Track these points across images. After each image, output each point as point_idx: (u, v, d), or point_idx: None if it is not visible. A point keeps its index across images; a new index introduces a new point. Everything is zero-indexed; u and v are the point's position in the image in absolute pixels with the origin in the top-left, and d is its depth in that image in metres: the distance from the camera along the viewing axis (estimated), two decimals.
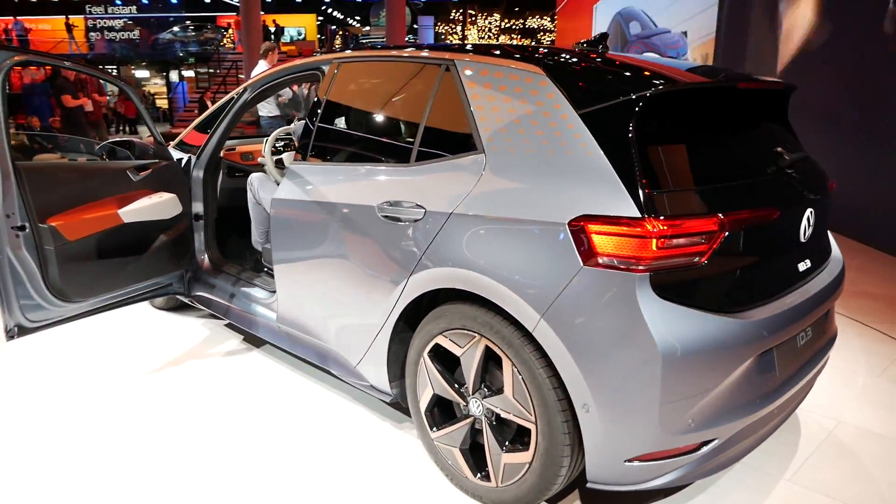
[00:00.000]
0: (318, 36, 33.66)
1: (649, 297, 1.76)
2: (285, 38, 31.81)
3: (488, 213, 2.03)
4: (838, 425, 2.73)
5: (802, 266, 2.18)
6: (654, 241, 1.75)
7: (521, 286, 1.91)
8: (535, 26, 43.59)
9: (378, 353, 2.47)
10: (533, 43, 42.77)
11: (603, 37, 2.54)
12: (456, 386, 2.23)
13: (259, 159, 3.62)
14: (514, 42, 43.24)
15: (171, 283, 3.48)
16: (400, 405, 2.56)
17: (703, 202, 1.86)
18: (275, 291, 3.08)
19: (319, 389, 3.04)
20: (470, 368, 2.14)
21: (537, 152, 2.00)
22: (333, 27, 29.26)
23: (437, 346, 2.24)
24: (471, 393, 2.17)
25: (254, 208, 3.51)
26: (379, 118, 2.69)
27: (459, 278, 2.07)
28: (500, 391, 2.08)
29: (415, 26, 32.78)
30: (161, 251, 3.29)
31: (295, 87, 7.25)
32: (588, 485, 1.95)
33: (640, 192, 1.78)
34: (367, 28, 37.11)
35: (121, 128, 22.09)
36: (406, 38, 25.06)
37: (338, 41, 29.36)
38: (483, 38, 44.00)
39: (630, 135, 1.84)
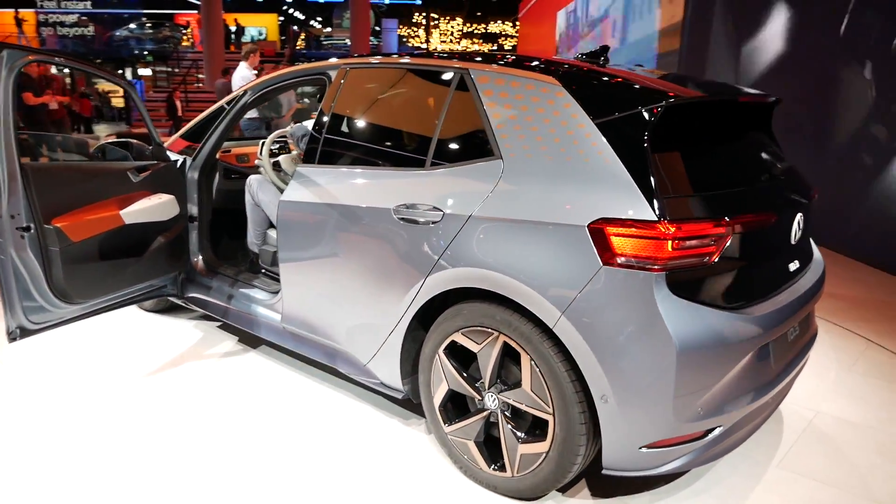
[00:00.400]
0: (280, 37, 33.35)
1: (665, 294, 1.89)
2: (246, 38, 31.42)
3: (508, 215, 2.14)
4: (817, 415, 2.92)
5: (793, 266, 2.36)
6: (670, 242, 1.88)
7: (542, 285, 2.02)
8: (497, 31, 44.05)
9: (391, 351, 2.55)
10: (495, 47, 43.17)
11: (604, 49, 2.68)
12: (471, 381, 2.33)
13: (256, 161, 3.66)
14: (477, 46, 43.57)
15: (166, 285, 3.49)
16: (404, 402, 2.64)
17: (711, 207, 2.00)
18: (276, 292, 3.13)
19: (322, 388, 3.09)
20: (487, 364, 2.24)
21: (555, 158, 2.11)
22: (296, 28, 28.98)
23: (452, 342, 2.34)
24: (486, 388, 2.27)
25: (252, 210, 3.55)
26: (391, 123, 2.77)
27: (480, 278, 2.17)
28: (516, 385, 2.19)
29: (376, 28, 32.79)
30: (159, 252, 3.30)
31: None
32: (603, 471, 2.07)
33: (656, 196, 1.92)
34: (329, 29, 36.93)
35: (75, 127, 21.49)
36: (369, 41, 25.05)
37: (301, 43, 29.10)
38: (445, 42, 44.23)
39: (645, 144, 1.98)
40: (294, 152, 3.72)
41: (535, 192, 2.12)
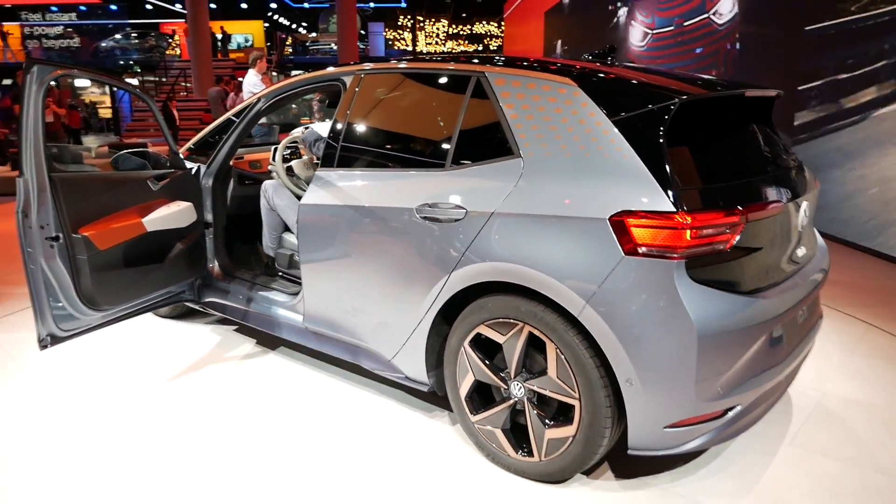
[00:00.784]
0: (266, 43, 33.35)
1: (685, 281, 2.00)
2: (232, 45, 31.41)
3: (530, 210, 2.24)
4: (823, 396, 3.04)
5: (800, 252, 2.47)
6: (688, 231, 1.99)
7: (567, 276, 2.12)
8: (483, 32, 44.21)
9: (416, 346, 2.64)
10: (480, 48, 43.31)
11: (611, 49, 2.78)
12: (497, 371, 2.42)
13: (269, 167, 3.74)
14: (463, 47, 43.70)
15: (184, 291, 3.57)
16: (426, 395, 2.73)
17: (724, 197, 2.11)
18: (295, 294, 3.21)
19: (344, 385, 3.18)
20: (513, 354, 2.34)
21: (574, 156, 2.22)
22: (283, 34, 29.00)
23: (477, 335, 2.43)
24: (512, 377, 2.37)
25: (267, 214, 3.63)
26: (410, 126, 2.86)
27: (505, 271, 2.27)
28: (542, 373, 2.29)
29: (361, 32, 32.91)
30: (179, 259, 3.37)
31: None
32: (629, 451, 2.17)
33: (673, 189, 2.02)
34: (314, 34, 36.96)
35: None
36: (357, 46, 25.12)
37: (287, 49, 29.12)
38: (431, 44, 44.35)
39: (661, 139, 2.08)
40: (305, 157, 3.81)
41: (556, 188, 2.22)
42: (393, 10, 39.59)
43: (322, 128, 3.93)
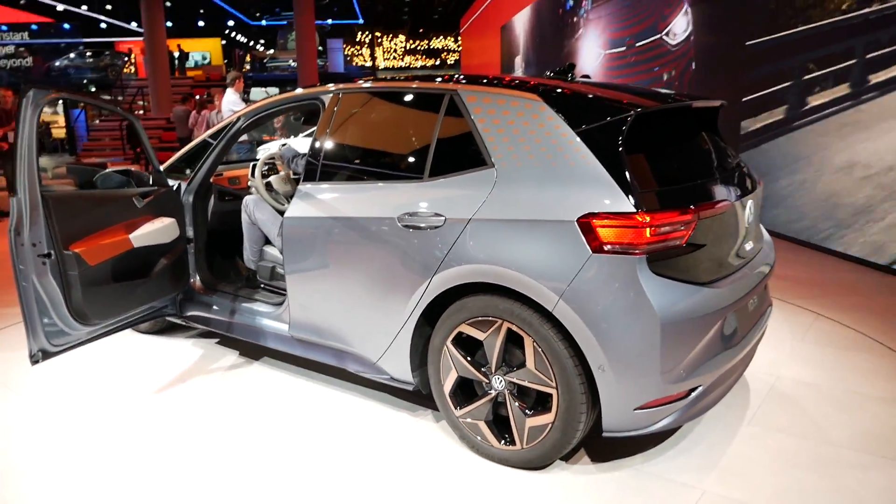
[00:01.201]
0: (224, 61, 33.19)
1: (647, 274, 2.21)
2: (190, 64, 31.18)
3: (505, 216, 2.43)
4: (777, 379, 3.29)
5: (748, 246, 2.71)
6: (648, 229, 2.20)
7: (540, 274, 2.31)
8: (440, 47, 44.71)
9: (400, 348, 2.79)
10: (438, 62, 43.75)
11: (570, 66, 3.01)
12: (478, 367, 2.60)
13: (248, 183, 3.87)
14: (421, 62, 44.09)
15: (167, 306, 3.66)
16: (410, 395, 2.89)
17: (679, 198, 2.33)
18: (279, 304, 3.34)
19: (329, 390, 3.31)
20: (493, 350, 2.52)
21: (543, 165, 2.42)
22: (241, 52, 28.93)
23: (459, 334, 2.61)
24: (493, 371, 2.55)
25: (249, 228, 3.75)
26: (388, 141, 3.03)
27: (483, 273, 2.45)
28: (521, 366, 2.47)
29: (320, 48, 33.03)
30: (163, 273, 3.46)
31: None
32: (604, 434, 2.36)
33: (633, 192, 2.24)
34: (272, 51, 36.90)
35: None
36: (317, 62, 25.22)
37: (246, 66, 29.05)
38: (389, 59, 44.65)
39: (620, 147, 2.30)
40: (282, 173, 3.95)
41: (527, 195, 2.42)
42: (351, 27, 39.82)
43: (298, 144, 4.09)
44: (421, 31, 43.54)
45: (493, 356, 2.53)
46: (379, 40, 43.93)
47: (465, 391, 2.70)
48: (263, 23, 35.76)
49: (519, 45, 18.43)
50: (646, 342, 2.22)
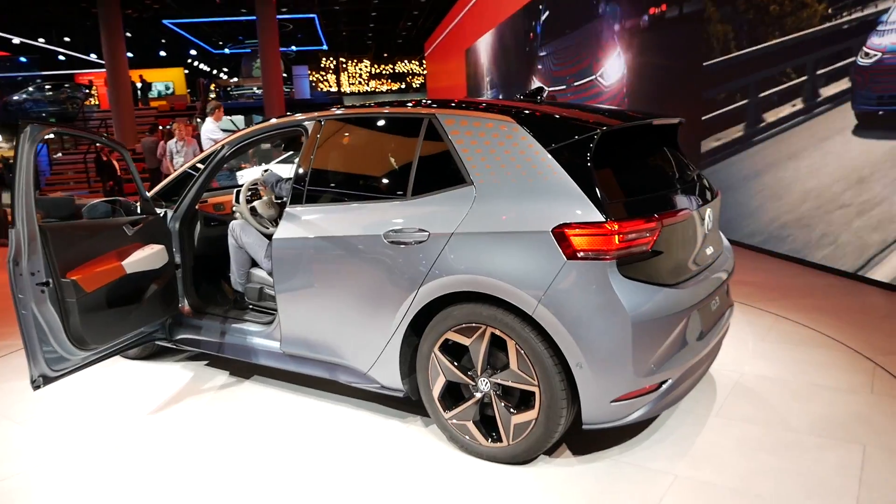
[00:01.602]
0: (188, 90, 33.12)
1: (617, 277, 2.43)
2: (153, 94, 31.05)
3: (485, 229, 2.63)
4: (741, 375, 3.53)
5: (709, 251, 2.95)
6: (616, 237, 2.42)
7: (520, 281, 2.51)
8: (405, 70, 45.23)
9: (390, 357, 2.96)
10: (404, 85, 44.20)
11: (539, 90, 3.25)
12: (465, 371, 2.77)
13: (233, 208, 4.01)
14: (386, 86, 44.50)
15: (157, 330, 3.77)
16: (399, 403, 3.05)
17: (644, 207, 2.56)
18: (269, 323, 3.48)
19: (320, 403, 3.45)
20: (478, 354, 2.70)
21: (518, 181, 2.63)
22: (206, 81, 28.92)
23: (445, 340, 2.78)
24: (479, 374, 2.73)
25: (236, 252, 3.88)
26: (370, 164, 3.22)
27: (467, 282, 2.64)
28: (505, 367, 2.66)
29: (284, 75, 33.20)
30: (154, 298, 3.57)
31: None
32: (584, 426, 2.56)
33: (602, 203, 2.46)
34: (235, 79, 36.90)
35: None
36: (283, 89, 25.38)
37: (212, 95, 29.03)
38: (354, 83, 44.99)
39: (588, 163, 2.53)
40: (265, 198, 4.10)
41: (505, 209, 2.62)
42: (315, 53, 40.10)
43: (280, 169, 4.26)
44: (385, 55, 44.04)
45: (478, 360, 2.71)
46: (344, 65, 44.29)
47: (453, 395, 2.87)
48: (226, 51, 35.80)
49: (484, 69, 18.87)
50: (619, 340, 2.42)
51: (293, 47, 34.52)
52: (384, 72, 45.48)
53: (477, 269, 2.61)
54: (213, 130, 8.04)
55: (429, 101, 3.09)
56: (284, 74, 31.60)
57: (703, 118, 7.25)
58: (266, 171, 4.12)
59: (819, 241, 5.77)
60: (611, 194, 2.53)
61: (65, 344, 3.06)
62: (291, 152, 6.28)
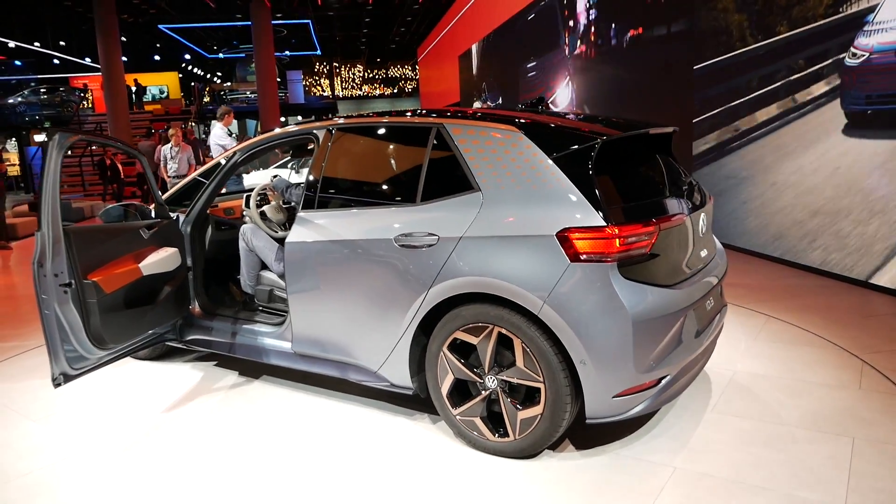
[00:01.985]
0: (181, 94, 33.17)
1: (619, 279, 2.56)
2: (147, 98, 31.09)
3: (492, 233, 2.76)
4: (735, 373, 3.68)
5: (703, 253, 3.10)
6: (617, 240, 2.56)
7: (526, 283, 2.64)
8: (398, 75, 45.38)
9: (400, 356, 3.08)
10: (395, 90, 44.36)
11: (540, 100, 3.39)
12: (473, 369, 2.90)
13: (244, 212, 4.13)
14: (379, 91, 44.65)
15: (168, 331, 3.88)
16: (406, 401, 3.18)
17: (642, 212, 2.70)
18: (280, 324, 3.60)
19: (331, 402, 3.56)
20: (485, 353, 2.83)
21: (523, 187, 2.77)
22: (201, 85, 28.98)
23: (454, 340, 2.91)
24: (486, 372, 2.86)
25: (246, 255, 4.00)
26: (381, 171, 3.35)
27: (475, 284, 2.77)
28: (511, 365, 2.78)
29: (277, 80, 33.31)
30: (168, 300, 3.69)
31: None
32: (587, 421, 2.69)
33: (603, 208, 2.60)
34: (229, 84, 36.99)
35: None
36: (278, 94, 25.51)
37: (207, 98, 29.11)
38: (347, 88, 45.12)
39: (590, 170, 2.67)
40: (273, 203, 4.22)
41: (511, 214, 2.76)
42: (309, 58, 40.20)
43: (289, 175, 4.37)
44: (378, 60, 44.18)
45: (486, 358, 2.84)
46: (337, 70, 44.40)
47: (461, 392, 3.00)
48: (221, 56, 35.86)
49: (478, 75, 19.03)
50: (620, 337, 2.56)
51: (287, 52, 34.62)
52: (377, 76, 45.61)
53: (485, 271, 2.74)
54: (221, 136, 8.09)
55: (437, 112, 3.22)
56: (278, 79, 31.73)
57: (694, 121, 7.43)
58: (275, 176, 4.24)
59: (807, 245, 5.93)
60: (611, 200, 2.67)
61: (85, 343, 3.17)
62: (288, 158, 6.43)
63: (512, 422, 2.82)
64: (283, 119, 27.40)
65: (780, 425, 3.07)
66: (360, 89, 45.86)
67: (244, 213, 4.12)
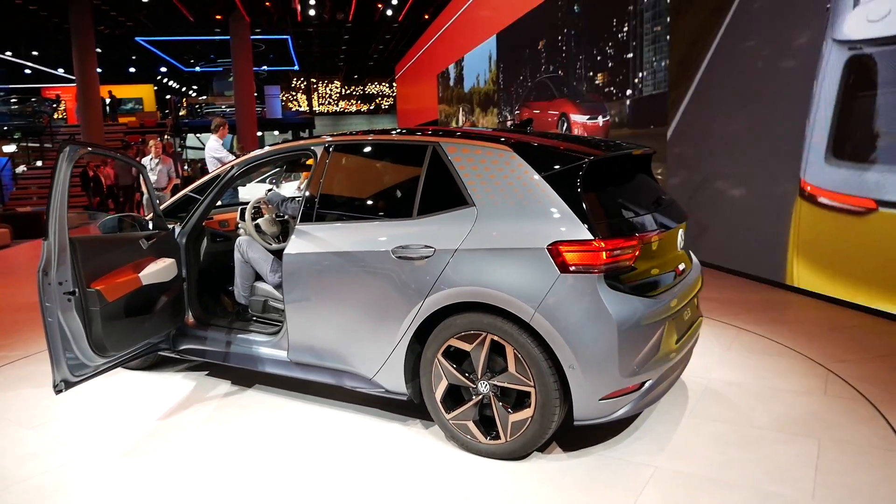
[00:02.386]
0: (157, 107, 32.97)
1: (605, 289, 2.75)
2: (126, 108, 30.84)
3: (486, 246, 2.93)
4: (710, 381, 3.88)
5: (681, 267, 3.30)
6: (603, 253, 2.75)
7: (519, 292, 2.81)
8: (375, 92, 45.67)
9: (395, 363, 3.22)
10: (372, 106, 44.60)
11: (528, 122, 3.59)
12: (466, 374, 3.05)
13: (239, 225, 4.25)
14: (356, 107, 44.86)
15: (162, 340, 3.96)
16: (400, 407, 3.31)
17: (625, 227, 2.90)
18: (276, 333, 3.71)
19: (324, 409, 3.68)
20: (478, 359, 2.98)
21: (516, 203, 2.94)
22: (177, 98, 28.88)
23: (448, 347, 3.06)
24: (479, 377, 3.01)
25: (242, 266, 4.11)
26: (378, 186, 3.51)
27: (470, 293, 2.93)
28: (503, 370, 2.94)
29: (254, 94, 33.30)
30: (164, 309, 3.78)
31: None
32: (575, 423, 2.85)
33: (590, 223, 2.78)
34: (204, 97, 36.85)
35: None
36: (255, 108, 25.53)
37: (183, 111, 29.01)
38: (324, 104, 45.25)
39: (578, 188, 2.86)
40: (267, 216, 4.34)
41: (504, 228, 2.93)
42: (286, 73, 40.27)
43: (284, 189, 4.51)
44: (356, 76, 44.44)
45: (478, 364, 2.99)
46: (314, 86, 44.53)
47: (454, 397, 3.14)
48: (197, 69, 35.76)
49: (455, 92, 19.33)
50: (606, 344, 2.74)
51: (264, 67, 34.66)
52: (354, 93, 45.85)
53: (479, 281, 2.90)
54: (216, 149, 8.04)
55: (433, 130, 3.39)
56: (255, 94, 31.74)
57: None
58: (269, 190, 4.37)
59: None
60: (597, 215, 2.86)
61: (86, 351, 3.25)
62: (278, 169, 6.52)
63: (503, 425, 2.97)
64: (259, 134, 27.41)
65: (752, 428, 3.27)
66: (337, 105, 46.04)
67: (239, 225, 4.24)
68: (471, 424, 3.05)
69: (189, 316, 4.08)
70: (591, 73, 9.70)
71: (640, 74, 8.40)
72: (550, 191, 2.89)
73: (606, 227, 2.84)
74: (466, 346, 3.01)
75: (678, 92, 7.58)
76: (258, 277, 4.15)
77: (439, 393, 3.13)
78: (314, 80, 44.09)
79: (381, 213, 3.36)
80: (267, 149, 3.91)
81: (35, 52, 31.65)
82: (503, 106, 14.33)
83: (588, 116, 9.81)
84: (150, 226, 3.89)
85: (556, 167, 2.94)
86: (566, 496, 2.73)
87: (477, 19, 16.32)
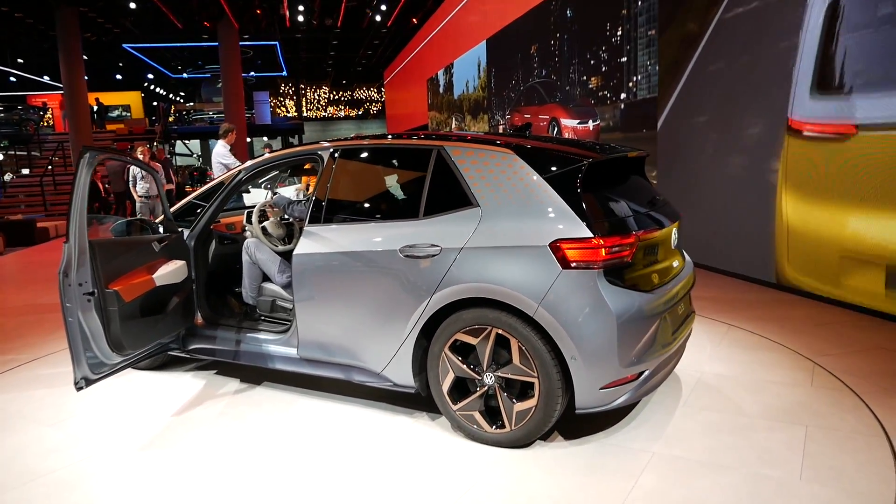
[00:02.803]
0: (144, 114, 32.89)
1: (604, 284, 2.91)
2: (113, 115, 30.76)
3: (491, 244, 3.08)
4: (702, 374, 4.06)
5: (675, 264, 3.47)
6: (602, 250, 2.91)
7: (522, 288, 2.97)
8: (364, 97, 45.80)
9: (403, 358, 3.36)
10: (361, 112, 44.72)
11: (526, 126, 3.75)
12: (472, 367, 3.20)
13: (246, 228, 4.37)
14: (344, 112, 44.96)
15: (172, 340, 4.08)
16: (406, 400, 3.45)
17: (623, 225, 3.06)
18: (285, 331, 3.84)
19: (332, 403, 3.81)
20: (484, 352, 3.13)
21: (518, 203, 3.10)
22: (165, 105, 28.86)
23: (455, 341, 3.21)
24: (484, 369, 3.16)
25: (250, 268, 4.23)
26: (384, 188, 3.65)
27: (476, 289, 3.08)
28: (507, 363, 3.09)
29: (243, 100, 33.28)
30: (176, 310, 3.90)
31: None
32: (577, 411, 3.01)
33: (589, 222, 2.95)
34: (192, 104, 36.78)
35: None
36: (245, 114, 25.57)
37: (172, 117, 28.99)
38: (312, 109, 45.31)
39: (578, 188, 3.02)
40: (273, 219, 4.47)
41: (508, 227, 3.09)
42: (274, 79, 40.31)
43: (288, 192, 4.65)
44: (344, 82, 44.55)
45: (484, 357, 3.14)
46: (303, 91, 44.60)
47: (460, 389, 3.29)
48: (185, 76, 35.71)
49: (445, 98, 19.51)
50: (606, 336, 2.90)
51: (252, 73, 34.70)
52: (343, 98, 45.95)
53: (484, 278, 3.06)
54: (224, 154, 8.14)
55: (436, 135, 3.54)
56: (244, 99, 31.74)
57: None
58: (275, 194, 4.50)
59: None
60: (596, 214, 3.02)
61: (104, 349, 3.36)
62: (277, 173, 6.62)
63: (508, 414, 3.12)
64: (248, 140, 27.42)
65: (743, 416, 3.44)
66: (326, 111, 46.10)
67: (246, 228, 4.36)
68: (477, 415, 3.20)
69: (198, 316, 4.19)
70: (584, 78, 9.89)
71: (635, 78, 8.59)
72: (551, 191, 3.05)
73: (605, 225, 3.00)
74: (472, 340, 3.16)
75: (666, 91, 7.79)
76: (265, 278, 4.28)
77: (446, 385, 3.28)
78: (302, 86, 44.16)
79: (388, 215, 3.50)
80: (274, 154, 4.04)
81: (20, 60, 31.51)
82: (494, 111, 14.51)
83: (578, 121, 9.98)
84: (161, 229, 4.01)
85: (557, 169, 3.10)
86: (568, 481, 2.88)
87: (466, 25, 16.52)
